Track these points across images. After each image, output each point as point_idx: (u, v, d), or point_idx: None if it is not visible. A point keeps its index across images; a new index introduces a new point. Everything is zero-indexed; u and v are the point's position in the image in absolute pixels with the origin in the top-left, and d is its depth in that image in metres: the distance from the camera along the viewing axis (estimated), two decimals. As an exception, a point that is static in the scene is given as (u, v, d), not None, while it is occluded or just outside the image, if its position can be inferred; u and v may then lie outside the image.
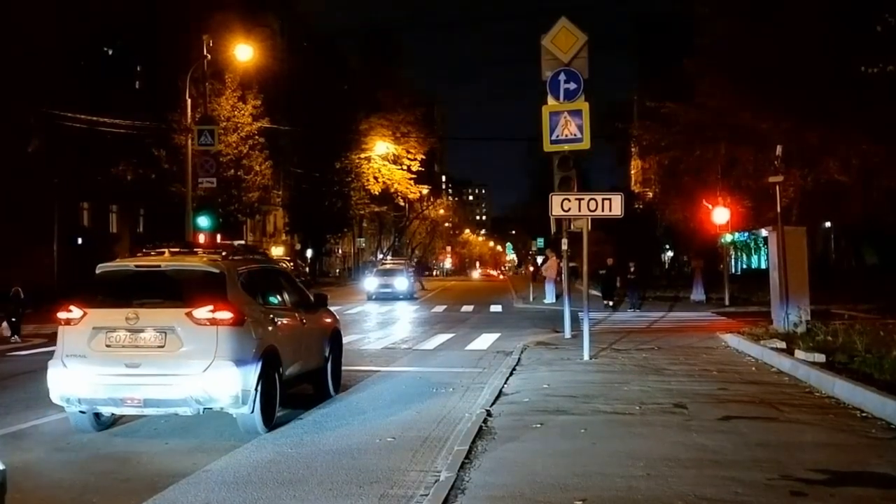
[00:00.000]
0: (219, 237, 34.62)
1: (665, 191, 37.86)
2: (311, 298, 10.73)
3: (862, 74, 25.37)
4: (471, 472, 6.41)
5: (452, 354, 15.59)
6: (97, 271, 8.76)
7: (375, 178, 58.57)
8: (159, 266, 8.63)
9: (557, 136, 13.67)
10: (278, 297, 9.90)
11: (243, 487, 6.49)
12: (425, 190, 72.84)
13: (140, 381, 7.95)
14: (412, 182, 61.65)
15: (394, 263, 43.21)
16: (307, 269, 51.13)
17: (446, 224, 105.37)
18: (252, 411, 8.15)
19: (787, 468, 6.35)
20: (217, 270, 8.49)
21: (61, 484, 6.72)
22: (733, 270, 51.31)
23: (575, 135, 13.58)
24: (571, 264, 27.98)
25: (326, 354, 10.58)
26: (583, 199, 13.27)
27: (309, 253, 57.79)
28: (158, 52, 38.88)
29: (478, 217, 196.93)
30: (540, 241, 47.64)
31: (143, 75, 42.83)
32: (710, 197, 29.53)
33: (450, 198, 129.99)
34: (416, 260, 71.80)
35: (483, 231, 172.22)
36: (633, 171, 71.68)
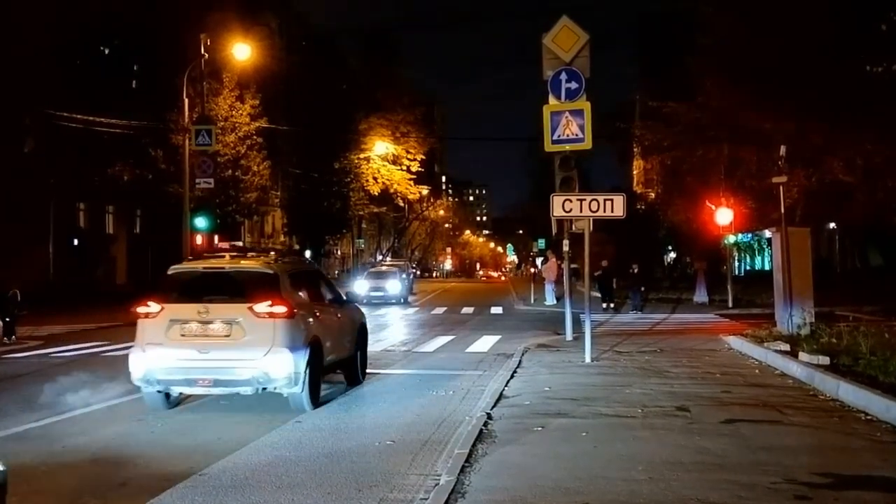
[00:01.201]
0: (216, 238, 34.67)
1: (667, 191, 37.87)
2: (343, 296, 12.36)
3: (866, 73, 25.37)
4: (471, 475, 6.41)
5: (452, 357, 15.59)
6: (169, 272, 10.43)
7: (375, 178, 58.55)
8: (223, 268, 10.31)
9: (559, 136, 13.67)
10: (317, 294, 11.34)
11: (241, 491, 6.49)
12: (425, 190, 72.87)
13: (210, 364, 9.51)
14: (412, 182, 61.64)
15: (388, 265, 42.91)
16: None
17: (446, 225, 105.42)
18: (302, 391, 9.69)
19: (791, 472, 6.34)
20: (271, 271, 10.10)
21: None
22: (736, 272, 51.33)
23: (576, 135, 13.59)
24: (573, 265, 28.07)
25: (355, 345, 12.09)
26: (584, 199, 13.29)
27: (308, 254, 57.72)
28: (156, 52, 38.85)
29: (478, 218, 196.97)
30: (541, 243, 47.60)
31: (140, 75, 42.81)
32: (713, 197, 29.52)
33: (450, 198, 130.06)
34: (415, 262, 71.84)
35: (484, 232, 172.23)
36: (635, 172, 71.76)
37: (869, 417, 8.35)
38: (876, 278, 34.63)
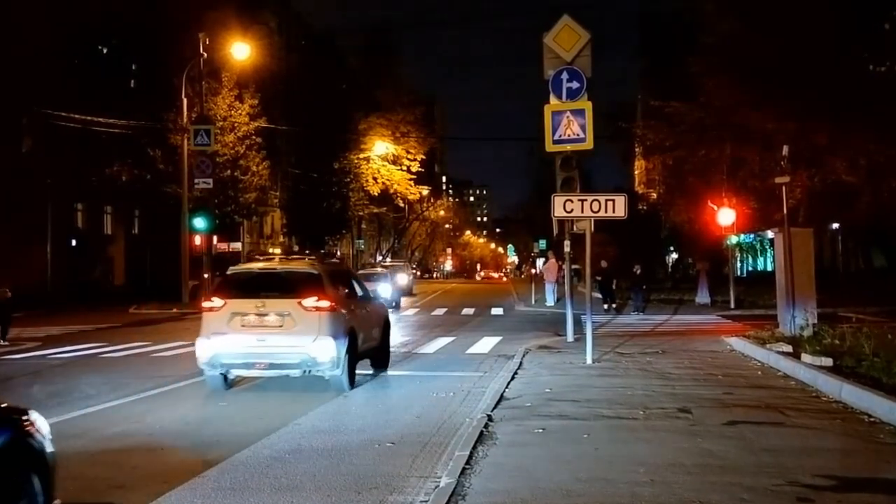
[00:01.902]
0: (215, 239, 34.70)
1: (669, 191, 37.87)
2: (370, 293, 14.50)
3: (869, 73, 25.38)
4: (472, 477, 6.41)
5: (453, 358, 15.60)
6: (228, 273, 12.62)
7: (375, 178, 58.55)
8: (276, 269, 12.22)
9: (560, 136, 13.67)
10: (351, 291, 12.96)
11: (240, 493, 6.49)
12: (425, 191, 72.81)
13: (266, 350, 11.20)
14: (412, 183, 61.63)
15: (380, 266, 42.35)
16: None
17: (447, 225, 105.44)
18: (342, 373, 11.32)
19: (794, 474, 6.34)
20: (315, 271, 11.81)
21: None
22: (739, 273, 51.35)
23: (577, 135, 13.58)
24: (574, 266, 28.06)
25: (382, 336, 13.83)
26: (585, 200, 13.28)
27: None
28: (154, 51, 38.89)
29: (479, 218, 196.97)
30: (542, 243, 47.61)
31: (139, 74, 42.86)
32: (716, 198, 29.51)
33: (450, 199, 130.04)
34: (415, 263, 71.75)
35: (484, 232, 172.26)
36: (636, 172, 71.79)
37: (872, 419, 8.34)
38: (879, 279, 34.64)
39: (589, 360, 13.16)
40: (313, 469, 7.17)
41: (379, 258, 69.29)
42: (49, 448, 4.86)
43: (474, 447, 7.31)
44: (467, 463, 6.77)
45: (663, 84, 37.18)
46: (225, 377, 11.64)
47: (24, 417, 4.89)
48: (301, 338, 11.08)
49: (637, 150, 49.69)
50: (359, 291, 13.34)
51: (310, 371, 11.23)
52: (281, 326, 11.21)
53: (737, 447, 7.28)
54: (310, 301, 11.18)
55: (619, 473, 6.44)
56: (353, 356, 11.81)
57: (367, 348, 12.82)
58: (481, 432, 7.92)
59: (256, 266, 12.73)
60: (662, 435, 7.80)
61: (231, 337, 11.25)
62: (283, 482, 6.78)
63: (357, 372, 13.41)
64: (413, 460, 7.43)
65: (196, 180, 31.57)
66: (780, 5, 24.21)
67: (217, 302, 11.56)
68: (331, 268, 12.64)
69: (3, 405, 4.94)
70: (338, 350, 11.14)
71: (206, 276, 31.55)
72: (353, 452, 7.77)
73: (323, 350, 11.03)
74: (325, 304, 11.24)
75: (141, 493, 6.48)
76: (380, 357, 13.75)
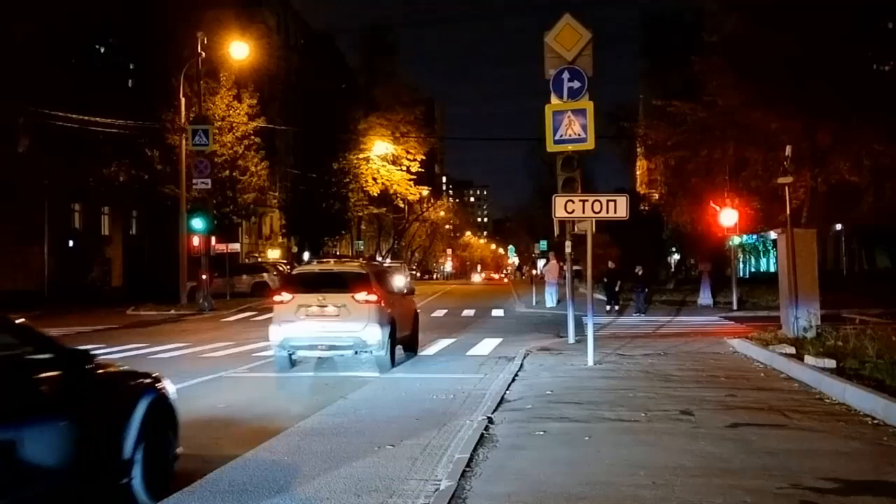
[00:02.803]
0: (213, 240, 34.70)
1: (671, 192, 37.80)
2: (405, 290, 17.59)
3: (875, 72, 25.39)
4: (472, 480, 6.41)
5: (453, 360, 15.59)
6: (294, 273, 17.00)
7: (374, 178, 58.56)
8: (332, 269, 15.20)
9: (561, 136, 13.67)
10: (391, 287, 15.73)
11: (238, 496, 6.49)
12: (425, 191, 72.82)
13: (326, 335, 13.87)
14: (412, 183, 61.64)
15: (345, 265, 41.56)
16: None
17: (447, 226, 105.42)
18: (386, 354, 13.97)
19: (797, 477, 6.34)
20: (365, 272, 14.68)
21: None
22: (741, 274, 51.32)
23: (579, 135, 13.58)
24: (576, 267, 28.03)
25: (412, 326, 16.36)
26: (587, 200, 13.26)
27: (306, 256, 57.73)
28: (152, 50, 38.91)
29: (479, 219, 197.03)
30: (543, 244, 47.59)
31: (136, 74, 42.89)
32: (718, 198, 29.53)
33: (450, 199, 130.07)
34: (415, 264, 71.60)
35: (484, 233, 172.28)
36: (638, 172, 71.62)
37: (876, 421, 8.34)
38: (883, 280, 34.60)
39: (590, 362, 13.16)
40: (312, 471, 7.17)
41: (378, 259, 69.28)
42: (175, 407, 6.60)
43: (475, 450, 7.31)
44: (468, 466, 6.77)
45: (665, 83, 37.22)
46: (290, 357, 14.24)
47: (160, 383, 6.51)
48: (354, 325, 13.74)
49: (639, 150, 49.61)
50: (396, 287, 16.34)
51: (359, 352, 14.00)
52: (338, 316, 13.88)
53: (739, 450, 7.28)
54: (361, 295, 13.89)
55: (620, 476, 6.44)
56: (394, 340, 14.45)
57: (403, 336, 15.36)
58: (482, 435, 7.92)
59: (317, 268, 15.84)
60: (664, 437, 7.80)
61: (298, 324, 13.90)
62: (281, 485, 6.77)
63: (357, 374, 13.43)
64: (413, 463, 7.42)
65: (194, 181, 31.57)
66: (784, 4, 24.22)
67: (286, 296, 14.25)
68: (376, 269, 15.85)
69: (149, 373, 6.53)
70: (383, 335, 13.83)
71: (203, 277, 31.56)
72: (352, 455, 7.76)
73: (371, 335, 13.70)
74: (373, 297, 13.92)
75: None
76: (411, 343, 16.32)
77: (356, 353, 14.11)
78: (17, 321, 5.60)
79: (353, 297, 13.84)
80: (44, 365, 5.27)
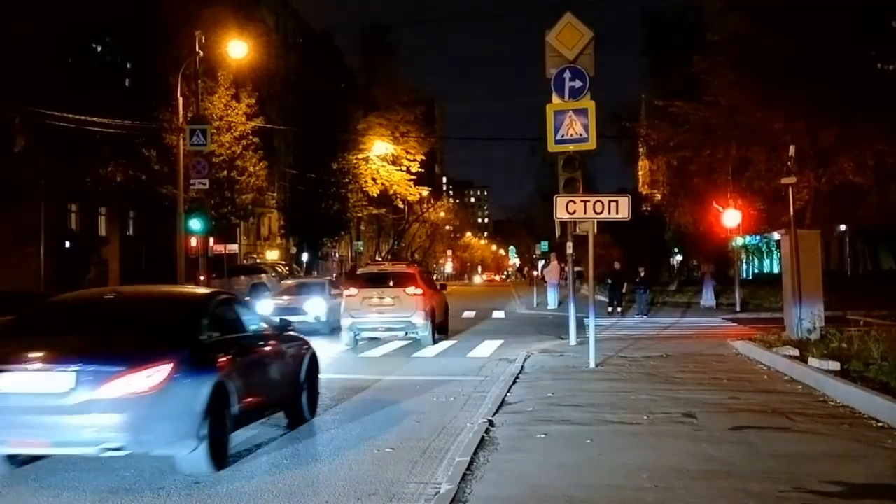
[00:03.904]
0: (212, 241, 34.68)
1: (674, 192, 37.85)
2: (438, 286, 22.56)
3: (878, 71, 25.38)
4: (472, 483, 6.41)
5: (453, 362, 15.60)
6: (358, 273, 22.51)
7: (374, 179, 58.47)
8: (388, 270, 20.34)
9: (562, 136, 13.68)
10: (431, 284, 20.95)
11: (237, 500, 6.51)
12: (425, 192, 72.71)
13: (384, 321, 18.40)
14: (411, 183, 61.52)
15: (311, 279, 34.34)
16: (302, 274, 51.08)
17: (447, 227, 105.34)
18: (428, 334, 18.37)
19: (800, 480, 6.35)
20: (412, 271, 19.79)
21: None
22: (744, 275, 51.22)
23: (580, 134, 13.59)
24: (577, 268, 28.04)
25: (444, 314, 21.06)
26: (588, 200, 13.26)
27: (305, 257, 57.77)
28: (149, 50, 38.88)
29: (479, 220, 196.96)
30: (544, 245, 47.57)
31: (134, 73, 42.87)
32: (721, 199, 29.52)
33: (450, 200, 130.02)
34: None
35: (485, 234, 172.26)
36: (640, 172, 71.63)
37: (880, 424, 8.35)
38: (888, 281, 34.57)
39: (592, 364, 13.16)
40: (311, 474, 7.18)
41: (378, 260, 69.23)
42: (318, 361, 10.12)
43: (475, 453, 7.31)
44: (468, 469, 6.77)
45: (667, 83, 37.18)
46: (355, 338, 18.52)
47: (311, 346, 10.07)
48: (405, 312, 18.12)
49: (641, 150, 49.60)
50: (433, 285, 21.50)
51: (408, 333, 18.30)
52: (393, 305, 18.28)
53: (742, 452, 7.29)
54: (410, 290, 18.40)
55: (622, 479, 6.45)
56: (433, 324, 18.84)
57: (439, 321, 19.90)
58: (482, 437, 7.93)
59: (375, 269, 21.20)
60: (667, 440, 7.81)
61: (362, 313, 18.37)
62: (281, 488, 6.79)
63: (358, 376, 13.42)
64: (413, 466, 7.43)
65: (192, 181, 31.51)
66: (787, 3, 24.22)
67: (354, 291, 18.98)
68: (420, 269, 21.57)
69: (300, 335, 10.07)
70: (426, 320, 18.24)
71: (202, 278, 31.55)
72: (351, 457, 7.78)
73: (418, 319, 18.09)
74: (419, 291, 18.44)
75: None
76: (443, 326, 20.60)
77: (406, 333, 18.33)
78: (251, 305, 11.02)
79: (404, 290, 18.36)
80: (273, 328, 9.19)
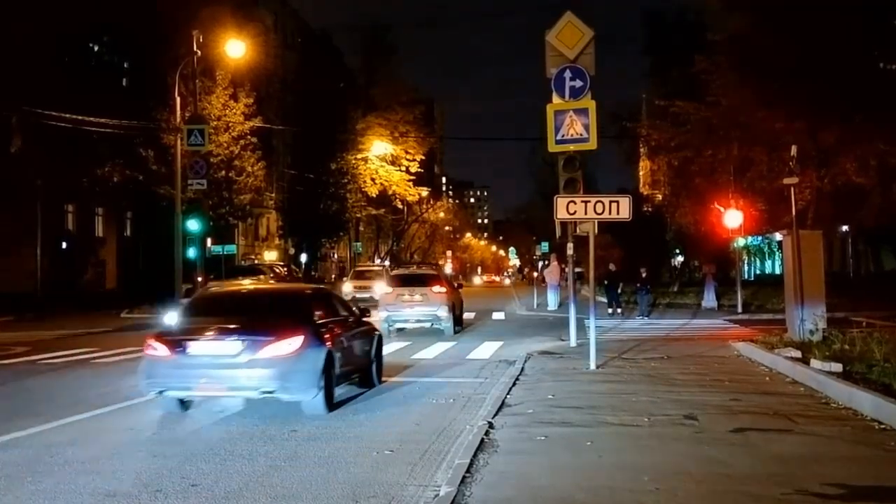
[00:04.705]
0: (209, 241, 34.69)
1: (675, 193, 37.85)
2: (456, 285, 27.48)
3: (880, 71, 25.40)
4: (472, 486, 6.41)
5: (453, 364, 15.58)
6: (392, 274, 25.67)
7: (373, 179, 58.48)
8: (417, 272, 24.26)
9: (563, 136, 13.68)
10: (451, 283, 25.20)
11: (234, 502, 6.50)
12: (424, 192, 72.72)
13: (413, 314, 21.63)
14: (411, 184, 61.53)
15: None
16: (300, 275, 51.06)
17: (446, 228, 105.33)
18: (450, 325, 21.57)
19: (803, 482, 6.34)
20: (436, 273, 24.26)
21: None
22: (746, 276, 51.27)
23: (581, 134, 13.60)
24: (577, 269, 28.04)
25: (461, 309, 24.64)
26: (589, 201, 13.25)
27: (303, 258, 57.74)
28: (147, 49, 38.90)
29: (479, 220, 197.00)
30: (544, 246, 47.55)
31: (131, 73, 42.88)
32: (722, 199, 29.53)
33: (450, 200, 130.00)
34: (413, 266, 71.38)
35: (485, 235, 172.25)
36: (641, 173, 71.65)
37: (883, 427, 8.35)
38: (890, 282, 34.63)
39: (592, 366, 13.16)
40: (309, 477, 7.17)
41: (377, 261, 69.20)
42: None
43: (475, 455, 7.31)
44: (468, 471, 6.77)
45: (669, 83, 37.22)
46: (388, 329, 20.91)
47: (376, 328, 13.31)
48: (432, 307, 21.51)
49: (642, 150, 49.63)
50: (453, 282, 26.28)
51: (434, 324, 21.55)
52: (421, 301, 21.62)
53: (744, 455, 7.29)
54: (436, 288, 21.99)
55: (623, 482, 6.45)
56: (454, 316, 22.33)
57: (457, 315, 23.26)
58: (482, 439, 7.92)
59: (407, 271, 25.40)
60: (668, 442, 7.80)
61: (396, 307, 21.67)
62: (279, 491, 6.78)
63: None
64: (412, 468, 7.43)
65: (189, 181, 31.54)
66: (789, 2, 24.23)
67: (389, 289, 22.47)
68: (442, 271, 27.21)
69: (374, 325, 13.53)
70: (449, 313, 21.65)
71: (199, 279, 31.55)
72: (350, 460, 7.77)
73: (442, 313, 21.47)
74: (444, 289, 22.10)
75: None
76: (459, 319, 23.86)
77: (431, 324, 21.55)
78: (335, 296, 13.31)
79: (431, 289, 21.91)
80: (355, 315, 12.39)
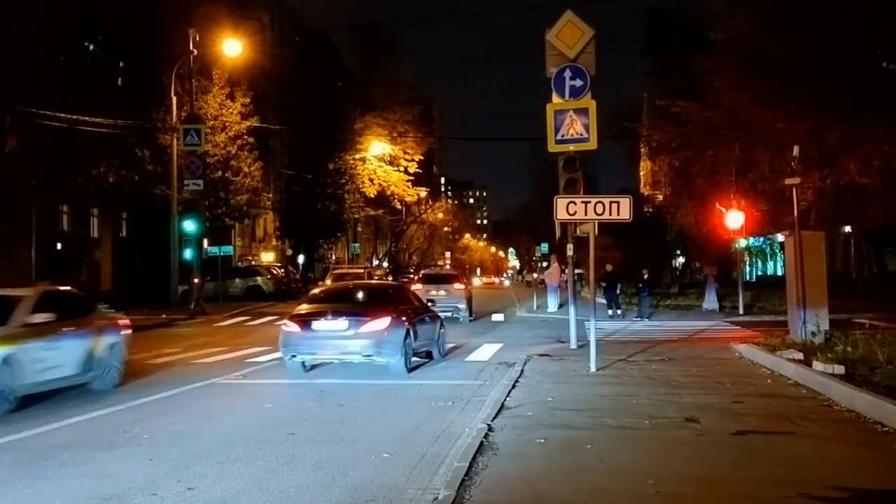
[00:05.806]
0: (206, 242, 34.69)
1: (676, 193, 37.89)
2: (469, 282, 41.04)
3: (883, 70, 25.41)
4: (471, 489, 6.41)
5: (452, 366, 15.58)
6: (422, 273, 37.12)
7: (371, 179, 58.47)
8: (440, 272, 39.20)
9: (563, 136, 13.70)
10: (469, 280, 40.04)
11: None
12: (423, 192, 72.79)
13: (439, 306, 22.54)
14: (409, 184, 61.52)
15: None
16: (298, 276, 51.08)
17: (445, 228, 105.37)
18: (466, 314, 27.61)
19: (805, 485, 6.35)
20: (456, 273, 35.08)
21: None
22: (748, 277, 51.37)
23: (581, 134, 13.61)
24: (578, 271, 28.11)
25: (472, 303, 29.34)
26: (589, 202, 13.24)
27: (301, 259, 57.74)
28: (142, 48, 38.84)
29: (478, 221, 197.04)
30: (544, 247, 47.59)
31: (126, 72, 42.81)
32: (724, 200, 29.55)
33: (449, 201, 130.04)
34: (413, 266, 71.25)
35: (484, 235, 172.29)
36: (642, 173, 71.72)
37: (886, 429, 8.35)
38: (893, 283, 34.64)
39: (593, 368, 13.16)
40: (307, 481, 7.17)
41: (375, 262, 69.21)
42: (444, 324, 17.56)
43: (474, 458, 7.31)
44: (466, 474, 6.77)
45: (670, 82, 37.26)
46: None
47: (438, 315, 17.57)
48: (453, 300, 26.95)
49: (643, 150, 49.74)
50: (466, 281, 31.64)
51: (454, 314, 25.77)
52: (445, 295, 26.93)
53: (746, 458, 7.29)
54: (456, 285, 28.18)
55: (623, 485, 6.45)
56: (469, 308, 27.74)
57: (470, 307, 27.91)
58: (481, 442, 7.92)
59: (432, 271, 34.82)
60: (669, 445, 7.81)
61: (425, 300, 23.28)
62: (276, 495, 6.78)
63: (355, 381, 13.34)
64: (410, 471, 7.42)
65: (186, 182, 31.56)
66: (791, 2, 24.25)
67: (419, 286, 26.64)
68: (462, 271, 43.07)
69: (427, 305, 18.24)
70: (467, 305, 27.34)
71: (195, 280, 31.55)
72: (348, 463, 7.76)
73: (462, 305, 26.94)
74: (462, 286, 28.37)
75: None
76: (471, 311, 28.15)
77: (452, 314, 25.49)
78: (405, 292, 17.19)
79: (452, 286, 28.11)
80: (424, 304, 17.37)
